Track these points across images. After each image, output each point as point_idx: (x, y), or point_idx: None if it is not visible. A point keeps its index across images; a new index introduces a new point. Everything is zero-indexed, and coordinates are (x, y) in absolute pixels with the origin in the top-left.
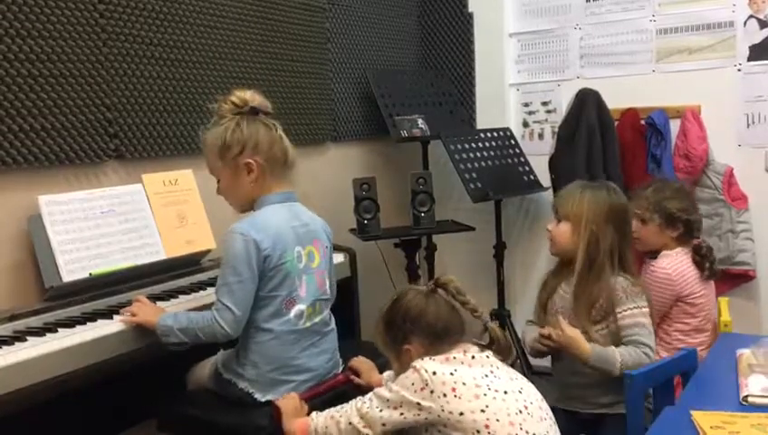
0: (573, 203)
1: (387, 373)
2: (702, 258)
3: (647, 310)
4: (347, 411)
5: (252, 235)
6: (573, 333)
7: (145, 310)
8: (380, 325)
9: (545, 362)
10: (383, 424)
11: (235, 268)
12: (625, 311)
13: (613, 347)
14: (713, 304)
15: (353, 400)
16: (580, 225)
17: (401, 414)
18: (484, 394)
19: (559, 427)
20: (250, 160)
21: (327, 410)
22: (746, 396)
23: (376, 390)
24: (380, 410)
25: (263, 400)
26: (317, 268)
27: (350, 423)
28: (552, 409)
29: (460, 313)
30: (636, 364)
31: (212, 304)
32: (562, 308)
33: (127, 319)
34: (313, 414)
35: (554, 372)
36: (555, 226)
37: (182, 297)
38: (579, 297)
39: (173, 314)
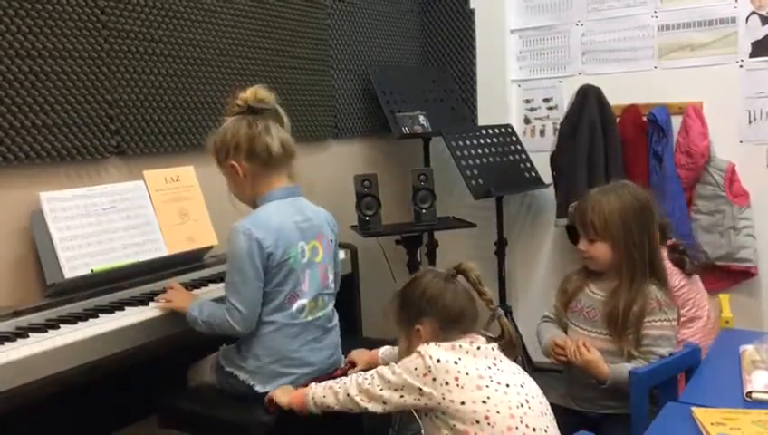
0: (605, 218)
1: (383, 349)
2: (680, 254)
3: (675, 323)
4: (346, 384)
5: (254, 233)
6: (591, 357)
7: (179, 296)
8: (396, 301)
9: (548, 359)
10: (384, 402)
11: (240, 267)
12: (654, 322)
13: (627, 365)
14: (700, 293)
15: (353, 374)
16: (620, 242)
17: (401, 397)
18: (486, 386)
19: (561, 424)
20: (233, 163)
21: (325, 382)
22: (750, 392)
23: (379, 368)
24: (381, 389)
25: (263, 391)
26: (320, 263)
27: (348, 395)
28: (553, 406)
29: (475, 302)
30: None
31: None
32: (590, 308)
33: (163, 305)
34: (312, 384)
35: (565, 371)
36: (589, 245)
37: None
38: (615, 307)
39: (200, 304)
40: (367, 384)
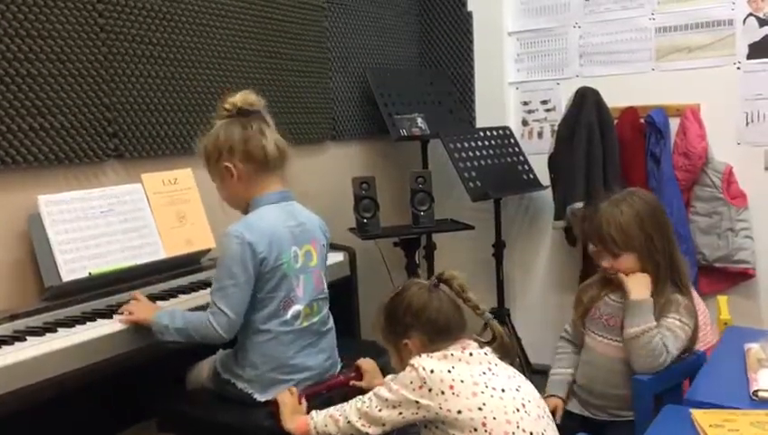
0: (623, 230)
1: (390, 377)
2: None
3: (689, 329)
4: (346, 410)
5: (247, 237)
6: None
7: (141, 308)
8: (381, 316)
9: (545, 361)
10: (383, 423)
11: (231, 271)
12: (668, 318)
13: (653, 327)
14: None
15: (353, 399)
16: (644, 250)
17: (400, 413)
18: (482, 392)
19: (562, 427)
20: (227, 164)
21: (326, 410)
22: (756, 391)
23: (376, 389)
24: (380, 410)
25: (262, 399)
26: (315, 268)
27: (348, 422)
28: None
29: (462, 310)
30: (652, 351)
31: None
32: (609, 315)
33: (124, 318)
34: (313, 413)
35: (579, 378)
36: (614, 260)
37: (182, 296)
38: None
39: (169, 312)
40: (366, 408)
